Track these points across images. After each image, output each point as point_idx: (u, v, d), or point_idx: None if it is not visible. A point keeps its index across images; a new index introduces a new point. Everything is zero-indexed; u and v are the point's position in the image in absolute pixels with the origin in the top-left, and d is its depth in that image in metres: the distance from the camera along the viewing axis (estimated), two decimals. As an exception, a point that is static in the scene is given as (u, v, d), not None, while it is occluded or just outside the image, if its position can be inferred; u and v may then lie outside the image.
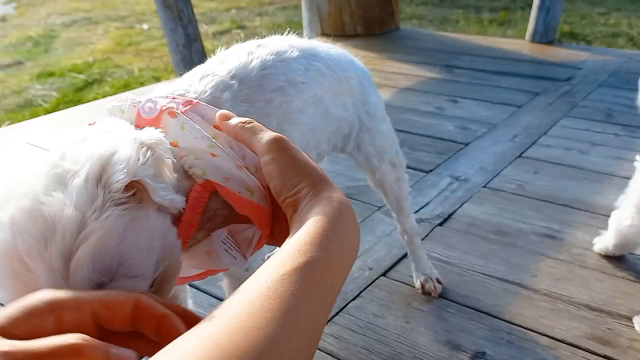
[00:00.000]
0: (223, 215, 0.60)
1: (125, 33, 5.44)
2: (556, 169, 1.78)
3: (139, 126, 0.60)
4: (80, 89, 3.95)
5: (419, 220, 1.49)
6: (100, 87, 3.96)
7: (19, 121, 3.00)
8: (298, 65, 0.82)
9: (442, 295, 1.21)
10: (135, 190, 0.48)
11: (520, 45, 3.31)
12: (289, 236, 0.45)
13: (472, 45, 3.40)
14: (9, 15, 6.58)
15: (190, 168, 0.56)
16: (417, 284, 1.22)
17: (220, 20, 5.80)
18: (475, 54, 3.18)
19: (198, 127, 0.58)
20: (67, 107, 3.40)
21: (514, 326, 1.12)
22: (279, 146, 0.52)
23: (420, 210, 1.55)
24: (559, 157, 1.86)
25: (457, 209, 1.56)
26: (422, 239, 1.40)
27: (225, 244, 0.59)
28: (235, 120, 0.57)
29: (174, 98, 0.63)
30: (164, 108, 0.59)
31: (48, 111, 3.45)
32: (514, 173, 1.76)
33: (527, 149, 1.93)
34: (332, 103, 0.88)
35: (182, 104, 0.61)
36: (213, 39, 4.93)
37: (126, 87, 3.87)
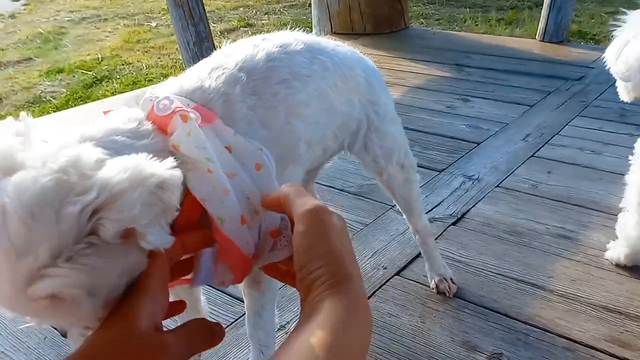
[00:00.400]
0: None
1: (134, 30, 5.44)
2: (569, 169, 1.77)
3: (149, 120, 0.60)
4: (89, 86, 3.96)
5: (432, 220, 1.48)
6: (108, 84, 3.96)
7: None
8: (302, 59, 0.81)
9: (457, 295, 1.20)
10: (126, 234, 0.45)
11: (531, 44, 3.29)
12: (299, 325, 0.44)
13: (482, 44, 3.39)
14: (19, 12, 6.59)
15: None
16: (432, 284, 1.22)
17: (227, 18, 5.80)
18: (485, 52, 3.16)
19: (205, 138, 0.58)
20: (75, 104, 3.40)
21: (531, 327, 1.11)
22: (315, 219, 0.49)
23: (434, 210, 1.54)
24: (572, 157, 1.85)
25: (470, 209, 1.55)
26: (436, 239, 1.39)
27: (206, 261, 0.58)
28: (280, 190, 0.55)
29: (196, 108, 0.63)
30: (177, 109, 0.59)
31: (57, 108, 3.45)
32: (527, 173, 1.75)
33: (539, 148, 1.92)
34: (337, 99, 0.86)
35: (203, 117, 0.62)
36: (221, 37, 4.93)
37: (135, 84, 3.87)
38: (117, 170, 0.45)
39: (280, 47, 0.79)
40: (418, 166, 1.11)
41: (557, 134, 2.04)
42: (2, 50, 4.96)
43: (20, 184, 0.42)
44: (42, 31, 5.46)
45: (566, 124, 2.12)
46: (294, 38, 0.82)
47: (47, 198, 0.42)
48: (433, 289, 1.21)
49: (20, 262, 0.41)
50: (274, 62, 0.77)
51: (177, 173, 0.48)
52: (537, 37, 3.33)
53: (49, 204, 0.42)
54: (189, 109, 0.61)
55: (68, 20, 5.96)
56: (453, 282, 1.21)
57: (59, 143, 0.47)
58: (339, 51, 0.89)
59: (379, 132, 0.98)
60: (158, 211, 0.46)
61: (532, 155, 1.87)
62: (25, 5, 6.97)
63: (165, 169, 0.47)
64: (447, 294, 1.19)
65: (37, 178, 0.42)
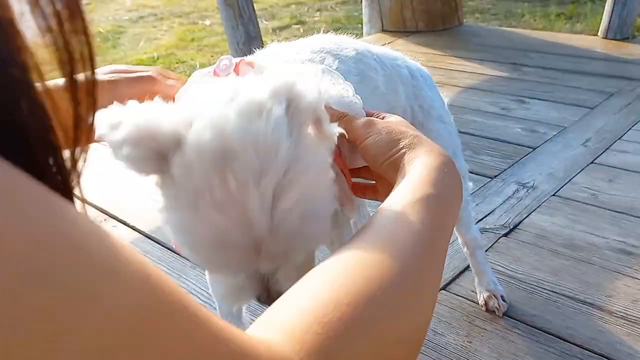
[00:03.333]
0: None
1: (189, 29, 5.53)
2: (633, 177, 1.66)
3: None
4: (144, 85, 4.05)
5: (483, 230, 1.41)
6: (162, 83, 4.04)
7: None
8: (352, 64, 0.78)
9: (507, 314, 1.14)
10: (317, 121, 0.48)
11: (593, 41, 3.13)
12: (395, 185, 0.49)
13: (540, 41, 3.25)
14: (79, 11, 6.82)
15: None
16: (480, 301, 1.16)
17: (280, 15, 5.81)
18: (544, 51, 3.03)
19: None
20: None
21: (587, 352, 1.04)
22: (371, 122, 0.56)
23: (484, 219, 1.48)
24: (636, 164, 1.73)
25: (524, 219, 1.47)
26: (486, 251, 1.33)
27: None
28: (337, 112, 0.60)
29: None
30: (238, 62, 0.61)
31: (113, 106, 3.54)
32: (587, 181, 1.65)
33: (600, 154, 1.81)
34: (381, 81, 0.82)
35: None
36: (273, 34, 4.94)
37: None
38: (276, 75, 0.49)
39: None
40: (469, 172, 1.06)
41: (619, 138, 1.92)
42: (64, 49, 5.14)
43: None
44: (102, 30, 5.63)
45: (630, 128, 2.00)
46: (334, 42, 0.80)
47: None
48: (482, 306, 1.15)
49: (267, 177, 0.43)
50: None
51: None
52: (599, 33, 3.17)
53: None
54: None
55: (126, 19, 6.12)
56: (504, 300, 1.14)
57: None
58: (374, 50, 0.86)
59: (423, 128, 0.91)
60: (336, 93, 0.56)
61: (592, 162, 1.76)
62: (87, 4, 7.20)
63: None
64: (497, 313, 1.13)
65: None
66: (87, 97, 0.28)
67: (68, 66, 0.26)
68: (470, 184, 1.06)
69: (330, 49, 0.75)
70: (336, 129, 0.49)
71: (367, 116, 0.60)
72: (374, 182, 0.63)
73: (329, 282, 0.34)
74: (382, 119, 0.59)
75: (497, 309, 1.13)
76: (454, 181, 0.49)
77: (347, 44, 0.80)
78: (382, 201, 0.54)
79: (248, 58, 0.63)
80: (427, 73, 0.95)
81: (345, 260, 0.36)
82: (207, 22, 5.76)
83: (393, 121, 0.57)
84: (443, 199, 0.45)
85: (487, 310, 1.15)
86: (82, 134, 0.28)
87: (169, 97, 0.60)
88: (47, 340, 0.18)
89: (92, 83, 0.28)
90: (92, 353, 0.20)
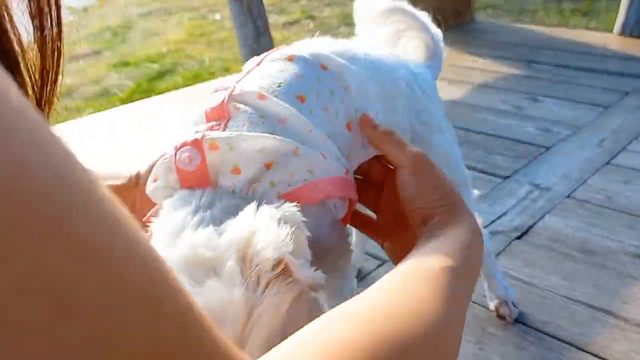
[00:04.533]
0: None
1: (198, 24, 5.52)
2: (650, 179, 1.62)
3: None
4: (153, 79, 4.03)
5: (495, 233, 1.38)
6: (171, 77, 4.02)
7: (98, 110, 3.08)
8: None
9: (520, 320, 1.11)
10: (281, 269, 0.45)
11: (608, 39, 3.07)
12: (419, 244, 0.48)
13: (555, 38, 3.19)
14: (91, 6, 6.82)
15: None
16: (491, 307, 1.13)
17: (289, 10, 5.77)
18: (558, 48, 2.98)
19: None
20: (140, 96, 3.46)
21: (602, 360, 1.01)
22: (422, 160, 0.55)
23: (496, 221, 1.44)
24: (653, 165, 1.69)
25: (537, 221, 1.44)
26: (498, 254, 1.30)
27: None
28: (382, 128, 0.60)
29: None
30: (200, 140, 0.54)
31: (123, 100, 3.53)
32: (602, 182, 1.61)
33: (616, 155, 1.77)
34: (378, 106, 0.72)
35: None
36: (283, 29, 4.91)
37: (196, 77, 3.91)
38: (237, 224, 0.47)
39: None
40: (481, 172, 1.03)
41: (636, 139, 1.87)
42: (74, 43, 5.14)
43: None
44: (112, 24, 5.63)
45: (647, 128, 1.95)
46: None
47: None
48: (493, 311, 1.13)
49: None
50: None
51: (295, 209, 0.48)
52: (615, 30, 3.11)
53: None
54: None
55: (136, 14, 6.11)
56: (515, 306, 1.11)
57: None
58: (372, 56, 0.76)
59: (425, 143, 0.83)
60: (292, 248, 0.45)
61: (608, 163, 1.72)
62: (97, -1, 7.21)
63: (284, 210, 0.47)
64: (508, 319, 1.10)
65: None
66: (53, 50, 0.28)
67: (36, 19, 0.26)
68: (476, 191, 1.01)
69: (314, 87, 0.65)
70: (309, 275, 0.45)
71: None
72: (374, 216, 0.63)
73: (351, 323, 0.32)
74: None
75: (508, 315, 1.10)
76: (477, 260, 0.49)
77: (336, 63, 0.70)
78: (378, 241, 0.59)
79: (210, 135, 0.53)
80: (429, 79, 0.89)
81: (367, 302, 0.35)
82: (217, 17, 5.74)
83: (443, 175, 0.56)
84: (467, 276, 0.45)
85: (498, 316, 1.12)
86: (49, 89, 0.28)
87: (143, 214, 0.56)
88: None
89: (58, 35, 0.28)
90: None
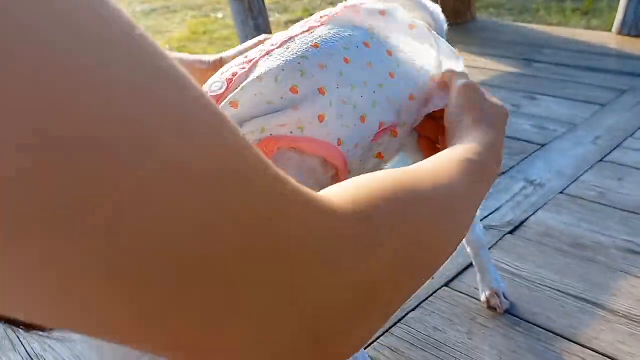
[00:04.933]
0: None
1: (201, 22, 5.54)
2: (643, 176, 1.64)
3: None
4: (155, 77, 4.06)
5: (488, 227, 1.41)
6: (174, 76, 4.05)
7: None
8: None
9: (510, 312, 1.13)
10: None
11: (607, 38, 3.09)
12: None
13: (555, 37, 3.21)
14: (94, 3, 6.85)
15: None
16: (482, 298, 1.15)
17: (292, 8, 5.80)
18: (557, 47, 2.99)
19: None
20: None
21: (589, 351, 1.03)
22: (470, 87, 0.61)
23: (490, 216, 1.47)
24: (647, 162, 1.72)
25: (530, 216, 1.46)
26: (490, 248, 1.32)
27: None
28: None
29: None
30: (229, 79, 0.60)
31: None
32: (595, 179, 1.63)
33: (610, 152, 1.79)
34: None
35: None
36: (285, 27, 4.93)
37: (199, 75, 3.93)
38: None
39: None
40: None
41: (631, 136, 1.90)
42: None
43: None
44: (115, 22, 5.65)
45: (642, 126, 1.97)
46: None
47: None
48: (484, 303, 1.15)
49: None
50: None
51: None
52: (613, 30, 3.12)
53: None
54: None
55: (140, 12, 6.14)
56: (506, 298, 1.14)
57: None
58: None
59: None
60: None
61: (602, 160, 1.74)
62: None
63: None
64: (498, 310, 1.13)
65: None
66: None
67: None
68: None
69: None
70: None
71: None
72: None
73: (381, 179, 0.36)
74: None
75: (499, 306, 1.12)
76: (498, 157, 0.53)
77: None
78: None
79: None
80: None
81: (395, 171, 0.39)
82: (220, 15, 5.77)
83: (494, 102, 0.61)
84: (486, 171, 0.48)
85: (489, 307, 1.14)
86: None
87: None
88: None
89: None
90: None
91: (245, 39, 2.51)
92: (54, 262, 0.17)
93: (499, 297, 1.14)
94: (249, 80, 0.57)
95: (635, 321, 1.09)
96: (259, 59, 0.59)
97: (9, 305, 0.19)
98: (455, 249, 0.43)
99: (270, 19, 2.79)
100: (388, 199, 0.33)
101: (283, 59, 0.59)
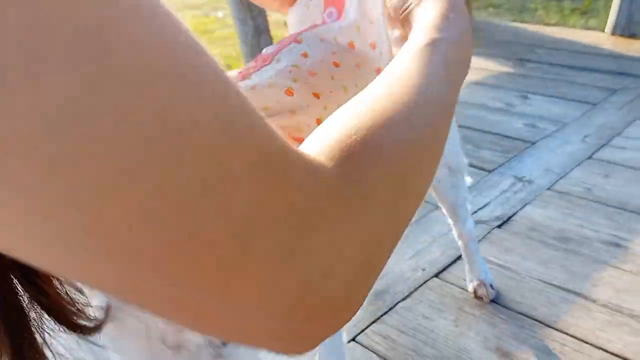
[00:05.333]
0: None
1: (201, 21, 5.59)
2: (629, 172, 1.70)
3: None
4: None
5: (478, 222, 1.47)
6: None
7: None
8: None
9: (495, 301, 1.19)
10: None
11: (601, 38, 3.14)
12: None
13: (549, 37, 3.27)
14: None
15: None
16: (470, 288, 1.21)
17: (293, 8, 5.84)
18: (551, 47, 3.05)
19: None
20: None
21: (568, 337, 1.09)
22: None
23: (479, 211, 1.53)
24: (633, 159, 1.77)
25: (517, 211, 1.52)
26: (479, 241, 1.38)
27: None
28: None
29: None
30: None
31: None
32: (583, 176, 1.69)
33: (598, 150, 1.85)
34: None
35: None
36: (285, 27, 4.98)
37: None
38: None
39: None
40: (469, 165, 1.09)
41: (619, 135, 1.95)
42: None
43: None
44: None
45: (630, 125, 2.03)
46: None
47: None
48: (471, 293, 1.21)
49: None
50: None
51: None
52: (607, 30, 3.18)
53: None
54: None
55: (141, 11, 6.19)
56: (492, 288, 1.20)
57: None
58: None
59: None
60: None
61: (589, 157, 1.80)
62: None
63: None
64: (485, 299, 1.19)
65: None
66: None
67: None
68: (469, 178, 1.10)
69: None
70: None
71: None
72: None
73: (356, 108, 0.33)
74: None
75: (485, 296, 1.19)
76: (462, 25, 0.46)
77: None
78: None
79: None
80: None
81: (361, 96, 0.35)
82: (220, 14, 5.82)
83: None
84: (451, 40, 0.43)
85: (476, 297, 1.20)
86: None
87: None
88: None
89: None
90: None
91: (245, 38, 2.57)
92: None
93: (485, 287, 1.19)
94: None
95: (613, 309, 1.15)
96: (252, 72, 0.60)
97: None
98: (442, 152, 0.40)
99: (270, 19, 2.84)
100: (370, 144, 0.30)
101: (275, 69, 0.60)
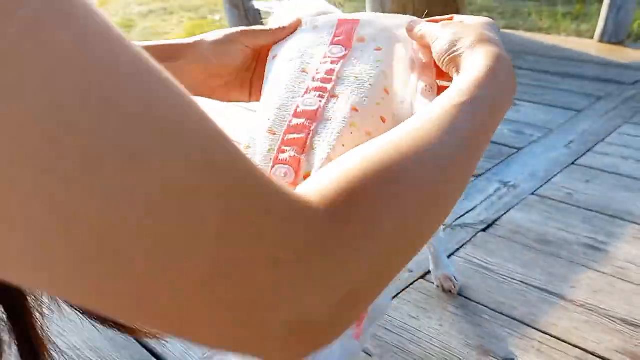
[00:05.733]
0: None
1: (198, 24, 5.64)
2: (610, 178, 1.77)
3: None
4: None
5: (463, 225, 1.53)
6: (171, 78, 4.14)
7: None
8: None
9: (478, 302, 1.25)
10: None
11: (588, 45, 3.22)
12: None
13: (538, 44, 3.34)
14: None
15: None
16: (437, 283, 1.28)
17: (288, 11, 5.89)
18: (540, 54, 3.12)
19: None
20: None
21: (547, 336, 1.15)
22: (446, 23, 0.57)
23: (465, 215, 1.59)
24: (614, 165, 1.84)
25: (502, 216, 1.58)
26: (464, 244, 1.45)
27: None
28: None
29: None
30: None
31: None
32: (565, 181, 1.76)
33: (581, 156, 1.92)
34: None
35: None
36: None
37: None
38: None
39: None
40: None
41: (602, 141, 2.02)
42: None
43: None
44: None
45: (613, 131, 2.10)
46: None
47: None
48: (438, 287, 1.28)
49: None
50: None
51: None
52: (595, 37, 3.26)
53: None
54: None
55: (137, 13, 6.23)
56: (457, 280, 1.27)
57: None
58: None
59: None
60: None
61: (572, 163, 1.87)
62: (98, -3, 7.32)
63: None
64: (452, 292, 1.26)
65: None
66: None
67: None
68: None
69: None
70: None
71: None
72: None
73: (361, 155, 0.34)
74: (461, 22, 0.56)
75: (452, 288, 1.26)
76: (507, 84, 0.47)
77: None
78: None
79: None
80: None
81: (376, 141, 0.36)
82: (216, 17, 5.87)
83: (468, 23, 0.54)
84: (490, 99, 0.43)
85: (444, 290, 1.27)
86: None
87: None
88: None
89: None
90: None
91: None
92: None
93: (450, 280, 1.27)
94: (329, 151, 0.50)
95: (590, 310, 1.21)
96: (322, 109, 0.54)
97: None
98: (454, 205, 0.41)
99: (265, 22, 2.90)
100: (364, 191, 0.31)
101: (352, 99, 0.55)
